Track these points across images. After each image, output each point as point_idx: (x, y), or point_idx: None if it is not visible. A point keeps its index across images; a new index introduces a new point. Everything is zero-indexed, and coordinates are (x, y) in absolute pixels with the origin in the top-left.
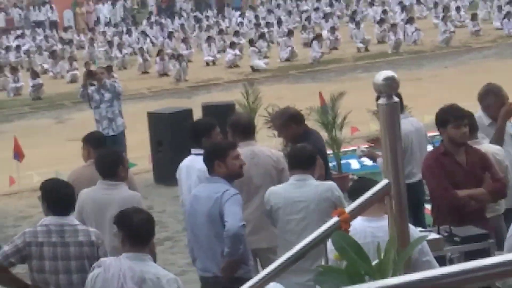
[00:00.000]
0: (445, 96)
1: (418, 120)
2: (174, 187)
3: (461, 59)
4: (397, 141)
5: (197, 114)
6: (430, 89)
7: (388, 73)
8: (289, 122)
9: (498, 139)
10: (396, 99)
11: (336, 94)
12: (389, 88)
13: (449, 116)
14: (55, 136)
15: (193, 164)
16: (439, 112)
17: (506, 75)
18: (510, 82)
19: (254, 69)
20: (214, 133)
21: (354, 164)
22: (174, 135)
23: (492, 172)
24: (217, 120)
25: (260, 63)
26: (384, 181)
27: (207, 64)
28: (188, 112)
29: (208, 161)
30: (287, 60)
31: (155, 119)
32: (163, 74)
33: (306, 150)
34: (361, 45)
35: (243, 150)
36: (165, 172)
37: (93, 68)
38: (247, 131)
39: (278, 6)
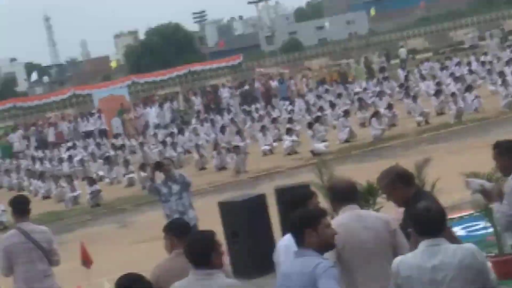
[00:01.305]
0: None
1: None
2: (256, 280)
3: None
4: None
5: (271, 200)
6: None
7: None
8: (396, 182)
9: None
10: None
11: (421, 161)
12: None
13: None
14: (119, 240)
15: (292, 243)
16: None
17: None
18: None
19: (314, 153)
20: (313, 202)
21: (458, 232)
22: (250, 224)
23: None
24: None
25: (320, 146)
26: None
27: (265, 154)
28: (262, 198)
29: (296, 230)
30: (347, 141)
31: (227, 208)
32: (222, 168)
33: (433, 211)
34: (420, 118)
35: (347, 214)
36: (244, 264)
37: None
38: (349, 195)
39: (326, 91)
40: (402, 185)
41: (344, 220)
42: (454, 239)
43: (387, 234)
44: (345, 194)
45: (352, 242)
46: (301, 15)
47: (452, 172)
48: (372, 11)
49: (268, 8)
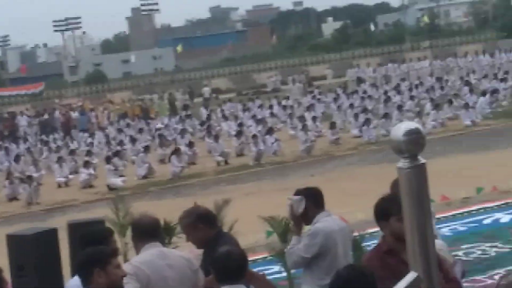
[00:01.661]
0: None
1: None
2: None
3: (326, 167)
4: (427, 220)
5: (63, 235)
6: None
7: (410, 125)
8: (198, 223)
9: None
10: (422, 160)
11: (221, 201)
12: (414, 145)
13: (392, 207)
14: None
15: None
16: (379, 203)
17: (371, 180)
18: (376, 186)
19: (110, 188)
20: (111, 241)
21: None
22: (38, 260)
23: (444, 271)
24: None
25: (117, 181)
26: (412, 275)
27: (59, 186)
28: (53, 232)
29: (84, 269)
30: (145, 177)
31: (15, 242)
32: (13, 198)
33: (234, 257)
34: (220, 158)
35: (151, 251)
36: None
37: None
38: (153, 231)
39: (127, 125)
40: (203, 225)
41: (148, 257)
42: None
43: (190, 273)
44: (149, 230)
45: (156, 280)
46: (107, 47)
47: (249, 214)
48: (179, 48)
49: (74, 38)
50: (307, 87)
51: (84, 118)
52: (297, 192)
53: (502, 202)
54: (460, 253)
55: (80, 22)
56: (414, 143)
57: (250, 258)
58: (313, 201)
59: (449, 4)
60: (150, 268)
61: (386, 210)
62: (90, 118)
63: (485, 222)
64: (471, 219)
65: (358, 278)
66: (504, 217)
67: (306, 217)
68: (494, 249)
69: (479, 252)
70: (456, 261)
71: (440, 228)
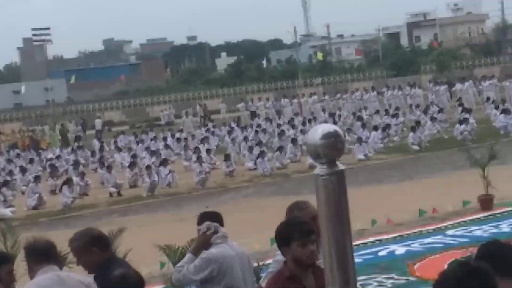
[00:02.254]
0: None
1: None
2: None
3: (222, 199)
4: (346, 231)
5: None
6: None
7: (328, 128)
8: (91, 245)
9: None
10: (341, 166)
11: (115, 230)
12: (332, 150)
13: (294, 232)
14: None
15: None
16: (280, 228)
17: (267, 212)
18: (271, 218)
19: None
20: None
21: None
22: None
23: None
24: None
25: (6, 211)
26: None
27: None
28: None
29: None
30: (35, 208)
31: None
32: None
33: (131, 279)
34: (113, 189)
35: (47, 275)
36: None
37: None
38: (49, 254)
39: (18, 155)
40: (97, 248)
41: (43, 281)
42: None
43: None
44: (45, 253)
45: None
46: None
47: (143, 245)
48: (73, 79)
49: None
50: (206, 120)
51: None
52: (201, 216)
53: (397, 234)
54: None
55: None
56: (332, 147)
57: None
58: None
59: (340, 42)
60: None
61: (287, 235)
62: None
63: (380, 254)
64: (366, 251)
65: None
66: (399, 249)
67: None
68: (391, 281)
69: (376, 283)
70: None
71: None
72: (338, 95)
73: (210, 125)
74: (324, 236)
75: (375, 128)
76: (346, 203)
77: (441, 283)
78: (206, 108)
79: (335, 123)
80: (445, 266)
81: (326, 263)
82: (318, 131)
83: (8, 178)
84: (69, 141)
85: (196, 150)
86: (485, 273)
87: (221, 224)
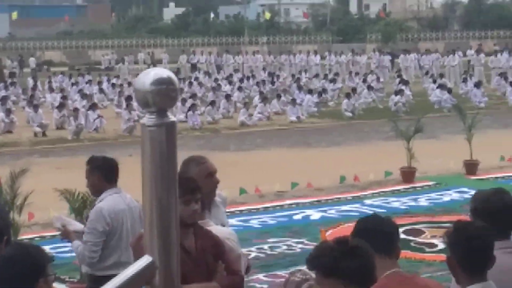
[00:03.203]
0: (128, 183)
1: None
2: None
3: None
4: (172, 193)
5: None
6: None
7: (161, 72)
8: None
9: None
10: (172, 117)
11: (18, 171)
12: (164, 98)
13: (178, 188)
14: None
15: None
16: None
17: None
18: None
19: None
20: None
21: None
22: None
23: (227, 262)
24: None
25: None
26: (146, 259)
27: None
28: None
29: None
30: None
31: None
32: None
33: None
34: (38, 129)
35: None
36: None
37: None
38: (116, 174)
39: None
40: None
41: (115, 202)
42: None
43: None
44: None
45: None
46: None
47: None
48: (14, 15)
49: None
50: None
51: None
52: (90, 160)
53: (315, 199)
54: (265, 246)
55: None
56: (164, 95)
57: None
58: (104, 173)
59: (289, 3)
60: None
61: None
62: None
63: (295, 217)
64: (282, 214)
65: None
66: (314, 214)
67: (94, 189)
68: (300, 246)
69: (285, 247)
70: (242, 254)
71: (250, 219)
72: (283, 56)
73: None
74: (145, 197)
75: (310, 91)
76: (174, 160)
77: (316, 259)
78: (153, 57)
79: (273, 83)
80: None
81: (146, 229)
82: (149, 75)
83: None
84: (4, 77)
85: (128, 97)
86: (365, 252)
87: (108, 170)
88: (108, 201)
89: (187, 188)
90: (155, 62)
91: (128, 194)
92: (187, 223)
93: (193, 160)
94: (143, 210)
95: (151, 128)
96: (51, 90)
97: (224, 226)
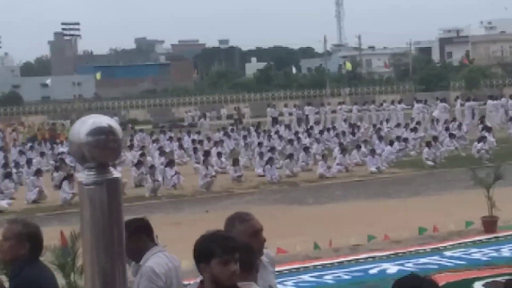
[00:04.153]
0: None
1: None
2: None
3: (223, 204)
4: (116, 261)
5: None
6: (190, 233)
7: (100, 121)
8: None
9: None
10: (116, 173)
11: (77, 232)
12: (102, 150)
13: (216, 247)
14: None
15: None
16: (201, 241)
17: (266, 220)
18: (275, 226)
19: None
20: None
21: None
22: None
23: None
24: None
25: (2, 203)
26: None
27: None
28: None
29: None
30: (35, 201)
31: None
32: None
33: None
34: None
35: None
36: None
37: None
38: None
39: (31, 148)
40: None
41: (162, 260)
42: None
43: None
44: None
45: None
46: (28, 70)
47: None
48: (98, 75)
49: None
50: (238, 123)
51: None
52: (126, 224)
53: (392, 252)
54: None
55: (0, 42)
56: (103, 147)
57: None
58: (146, 233)
59: (371, 54)
60: None
61: (207, 250)
62: (4, 136)
63: (371, 272)
64: (357, 268)
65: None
66: (391, 268)
67: (136, 253)
68: None
69: None
70: None
71: (324, 275)
72: (366, 106)
73: (229, 128)
74: (86, 267)
75: (391, 142)
76: (119, 224)
77: None
78: (240, 111)
79: (353, 133)
80: None
81: None
82: (85, 124)
83: (14, 170)
84: None
85: (205, 152)
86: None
87: (149, 231)
88: (155, 260)
89: (226, 247)
90: (241, 117)
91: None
92: (225, 286)
93: (237, 217)
94: (85, 283)
95: (90, 186)
96: (131, 148)
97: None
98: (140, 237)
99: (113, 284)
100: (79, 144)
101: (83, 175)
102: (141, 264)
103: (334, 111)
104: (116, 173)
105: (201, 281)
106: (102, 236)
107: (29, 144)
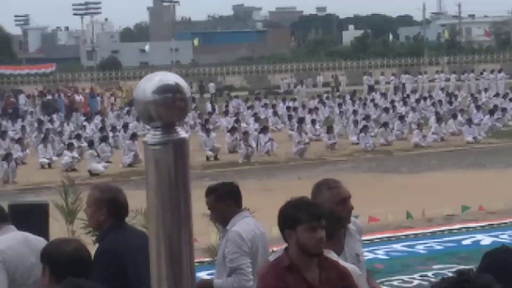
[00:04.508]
0: None
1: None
2: None
3: (316, 171)
4: (182, 224)
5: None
6: (281, 199)
7: (167, 78)
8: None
9: None
10: (183, 133)
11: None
12: (169, 109)
13: (301, 214)
14: None
15: None
16: (286, 207)
17: (359, 188)
18: (368, 194)
19: (92, 173)
20: None
21: None
22: None
23: None
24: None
25: (98, 166)
26: None
27: (42, 166)
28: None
29: None
30: (130, 165)
31: None
32: None
33: None
34: (210, 153)
35: (11, 235)
36: None
37: None
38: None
39: (128, 112)
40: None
41: (11, 242)
42: None
43: None
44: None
45: (22, 268)
46: (127, 35)
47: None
48: (196, 42)
49: (93, 24)
50: (335, 90)
51: (94, 101)
52: (213, 189)
53: (486, 223)
54: (430, 273)
55: (100, 8)
56: (170, 105)
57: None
58: (234, 199)
59: (471, 22)
60: (16, 254)
61: (293, 216)
62: (102, 101)
63: (464, 242)
64: (450, 238)
65: None
66: (485, 239)
67: (224, 219)
68: None
69: (451, 274)
70: None
71: (415, 245)
72: (465, 75)
73: (324, 96)
74: (151, 233)
75: (491, 111)
76: (186, 187)
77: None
78: (337, 79)
79: (450, 103)
80: None
81: (153, 273)
82: (152, 81)
83: (110, 134)
84: None
85: (300, 119)
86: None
87: (237, 196)
88: (242, 225)
89: (313, 213)
90: (338, 85)
91: (255, 219)
92: (312, 253)
93: (325, 184)
94: (149, 249)
95: (155, 147)
96: (226, 114)
97: (358, 256)
98: (228, 202)
99: (179, 250)
100: (145, 103)
101: (149, 135)
102: (228, 229)
103: (431, 80)
104: (183, 133)
105: (285, 248)
106: (168, 200)
107: (127, 109)
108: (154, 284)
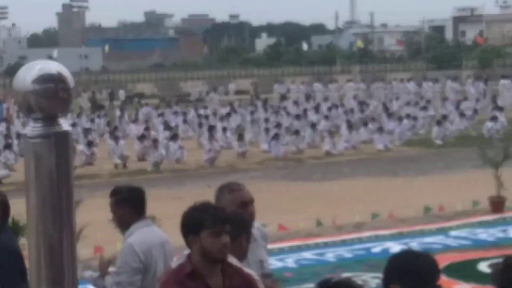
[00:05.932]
0: None
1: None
2: None
3: (227, 179)
4: (63, 224)
5: None
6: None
7: (48, 66)
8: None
9: None
10: (65, 125)
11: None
12: (51, 99)
13: (205, 219)
14: None
15: None
16: (189, 212)
17: (274, 196)
18: (278, 202)
19: None
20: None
21: None
22: None
23: None
24: None
25: (3, 172)
26: None
27: None
28: None
29: None
30: None
31: None
32: None
33: None
34: (118, 161)
35: None
36: None
37: None
38: None
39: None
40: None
41: None
42: None
43: None
44: None
45: None
46: (35, 41)
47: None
48: (106, 48)
49: (2, 29)
50: (254, 98)
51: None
52: (116, 191)
53: (396, 231)
54: None
55: (7, 13)
56: (51, 96)
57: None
58: (134, 205)
59: (383, 31)
60: None
61: (196, 222)
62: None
63: (373, 250)
64: (360, 246)
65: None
66: (394, 247)
67: (122, 223)
68: (376, 281)
69: (360, 282)
70: None
71: (325, 253)
72: (376, 84)
73: (236, 104)
74: (31, 234)
75: (401, 119)
76: (69, 183)
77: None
78: (256, 87)
79: (362, 111)
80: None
81: (32, 263)
82: (32, 70)
83: (15, 141)
84: (95, 109)
85: (210, 127)
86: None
87: (139, 203)
88: (138, 236)
89: (217, 218)
90: (258, 92)
91: (157, 227)
92: (215, 259)
93: (227, 186)
94: (28, 253)
95: (35, 140)
96: (136, 121)
97: (262, 262)
98: (127, 207)
99: (60, 255)
100: (24, 93)
101: (28, 128)
102: (125, 237)
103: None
104: (66, 126)
105: (188, 254)
106: (48, 196)
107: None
108: (33, 285)
